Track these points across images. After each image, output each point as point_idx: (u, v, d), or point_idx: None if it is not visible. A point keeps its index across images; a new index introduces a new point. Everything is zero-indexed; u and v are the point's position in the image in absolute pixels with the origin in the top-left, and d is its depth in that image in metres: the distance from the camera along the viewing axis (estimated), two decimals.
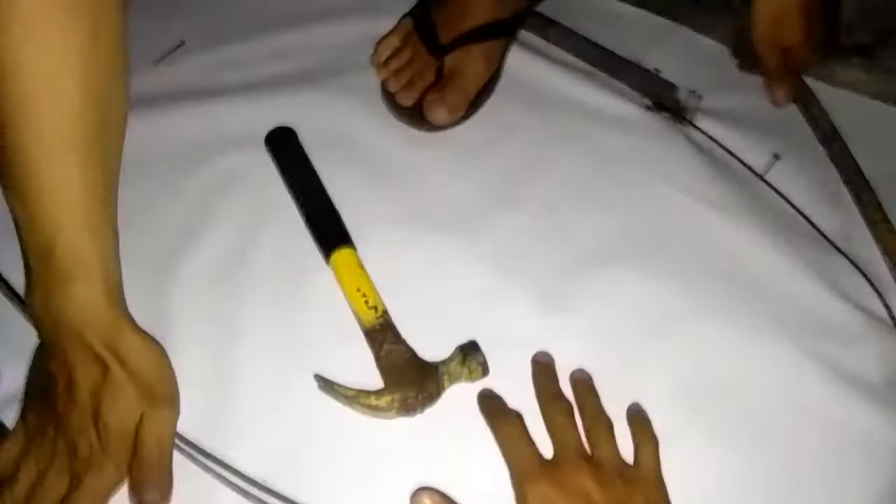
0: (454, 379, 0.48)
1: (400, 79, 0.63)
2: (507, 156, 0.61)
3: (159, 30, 0.68)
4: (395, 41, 0.65)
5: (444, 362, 0.48)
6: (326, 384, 0.47)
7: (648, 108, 0.64)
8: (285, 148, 0.60)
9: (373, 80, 0.65)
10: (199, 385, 0.47)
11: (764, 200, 0.59)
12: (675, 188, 0.59)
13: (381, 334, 0.49)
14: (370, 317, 0.50)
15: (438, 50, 0.62)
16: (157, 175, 0.58)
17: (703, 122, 0.63)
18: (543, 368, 0.49)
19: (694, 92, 0.64)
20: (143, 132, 0.58)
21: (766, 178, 0.60)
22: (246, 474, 0.44)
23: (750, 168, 0.61)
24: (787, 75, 0.64)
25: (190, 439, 0.45)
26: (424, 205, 0.58)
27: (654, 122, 0.64)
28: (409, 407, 0.46)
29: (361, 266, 0.52)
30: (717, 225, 0.57)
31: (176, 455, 0.44)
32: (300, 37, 0.68)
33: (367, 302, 0.50)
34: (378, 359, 0.49)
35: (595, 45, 0.67)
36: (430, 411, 0.47)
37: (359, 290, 0.51)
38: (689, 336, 0.52)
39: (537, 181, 0.59)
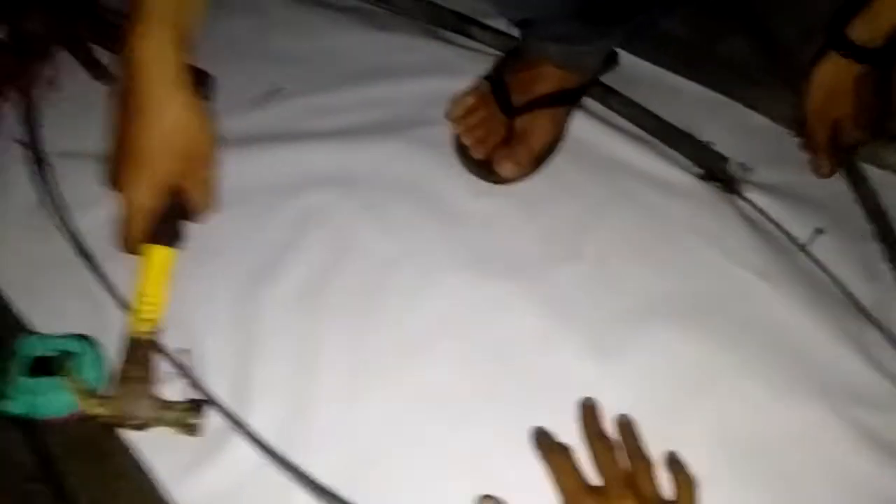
0: (167, 426, 0.48)
1: (473, 134, 0.69)
2: (566, 211, 0.66)
3: (259, 76, 0.76)
4: (471, 100, 0.71)
5: (167, 405, 0.48)
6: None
7: (700, 178, 0.69)
8: None
9: (448, 133, 0.71)
10: (280, 396, 0.53)
11: (806, 271, 0.63)
12: (723, 253, 0.64)
13: (139, 352, 0.49)
14: (142, 329, 0.50)
15: (510, 111, 0.69)
16: (250, 206, 0.65)
17: (752, 194, 0.68)
18: (590, 411, 0.54)
19: (744, 164, 0.69)
20: (240, 168, 0.65)
21: (809, 249, 0.64)
22: (317, 480, 0.49)
23: (793, 239, 0.65)
24: (834, 149, 0.68)
25: (270, 445, 0.51)
26: (489, 251, 0.63)
27: (705, 191, 0.69)
28: (119, 424, 0.48)
29: (167, 272, 0.51)
30: (760, 291, 0.61)
31: (256, 457, 0.49)
32: (385, 89, 0.75)
33: (148, 311, 0.50)
34: (124, 367, 0.49)
35: (653, 115, 0.73)
36: (499, 439, 0.52)
37: (149, 297, 0.50)
38: (730, 391, 0.56)
39: (593, 237, 0.65)
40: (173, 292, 0.55)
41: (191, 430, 0.49)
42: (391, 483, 0.50)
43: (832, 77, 0.66)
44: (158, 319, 0.51)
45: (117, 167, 0.52)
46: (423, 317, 0.58)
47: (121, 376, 0.49)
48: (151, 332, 0.50)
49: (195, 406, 0.50)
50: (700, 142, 0.71)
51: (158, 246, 0.52)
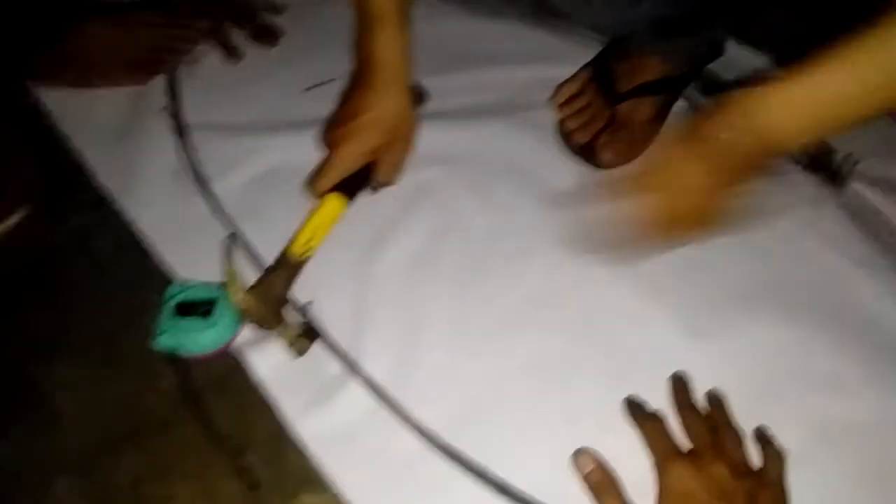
0: (282, 338, 0.55)
1: (577, 119, 0.72)
2: None
3: None
4: (576, 86, 0.74)
5: (286, 326, 0.55)
6: (229, 260, 0.56)
7: (804, 167, 0.70)
8: None
9: (552, 117, 0.74)
10: (390, 351, 0.58)
11: None
12: (821, 241, 0.65)
13: (287, 268, 0.57)
14: (299, 253, 0.58)
15: (614, 97, 0.71)
16: None
17: (857, 186, 0.68)
18: (680, 384, 0.56)
19: (850, 156, 0.69)
20: None
21: None
22: (424, 426, 0.54)
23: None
24: None
25: (382, 390, 0.56)
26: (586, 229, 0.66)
27: (809, 181, 0.69)
28: (248, 317, 0.55)
29: (335, 220, 0.61)
30: (857, 279, 0.62)
31: (370, 401, 0.55)
32: (492, 74, 0.78)
33: (312, 241, 0.59)
34: (266, 274, 0.58)
35: None
36: (591, 406, 0.56)
37: (317, 231, 0.59)
38: (823, 376, 0.57)
39: None
40: None
41: (300, 349, 0.56)
42: (489, 437, 0.54)
43: None
44: (311, 252, 0.59)
45: (334, 129, 0.63)
46: (521, 287, 0.62)
47: (265, 284, 0.57)
48: (303, 258, 0.58)
49: (309, 332, 0.56)
50: None
51: (336, 197, 0.61)
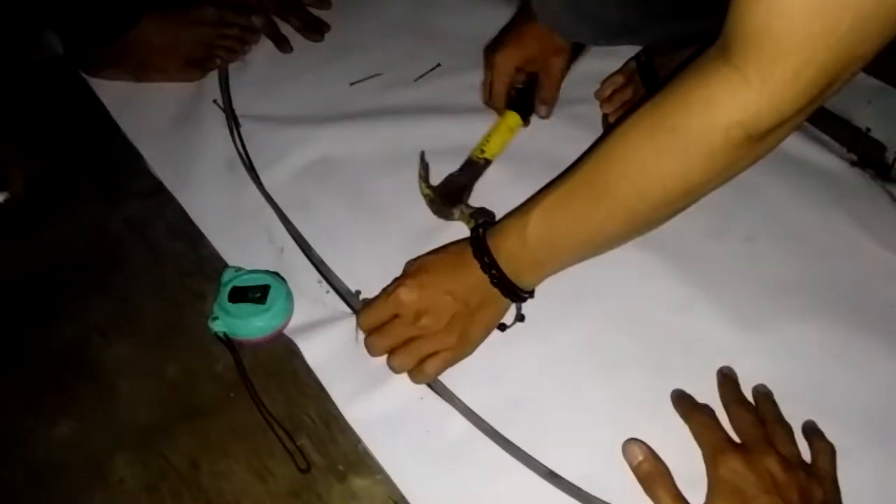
0: (461, 219, 0.65)
1: (621, 113, 0.72)
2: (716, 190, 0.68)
3: (419, 53, 0.82)
4: (619, 80, 0.74)
5: (464, 208, 0.65)
6: (422, 164, 0.67)
7: (853, 164, 0.69)
8: None
9: (595, 111, 0.74)
10: None
11: None
12: (870, 236, 0.64)
13: (469, 169, 0.69)
14: (478, 154, 0.69)
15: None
16: (409, 171, 0.70)
17: None
18: (728, 379, 0.56)
19: None
20: (400, 136, 0.72)
21: None
22: (473, 410, 0.54)
23: None
24: None
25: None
26: None
27: (858, 177, 0.68)
28: (428, 203, 0.67)
29: (511, 132, 0.71)
30: None
31: (419, 387, 0.56)
32: None
33: (486, 145, 0.69)
34: (452, 175, 0.68)
35: None
36: (639, 395, 0.56)
37: (492, 138, 0.70)
38: (871, 370, 0.56)
39: (742, 215, 0.66)
40: (347, 245, 0.65)
41: (473, 227, 0.60)
42: (536, 423, 0.54)
43: None
44: (490, 157, 0.70)
45: (495, 47, 0.73)
46: (569, 277, 0.62)
47: (446, 180, 0.68)
48: (479, 159, 0.69)
49: (478, 216, 0.64)
50: (856, 128, 0.70)
51: (512, 112, 0.72)
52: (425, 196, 0.67)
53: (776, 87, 0.40)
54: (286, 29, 0.85)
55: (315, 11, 0.86)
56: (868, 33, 0.38)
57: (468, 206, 0.66)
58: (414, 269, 0.56)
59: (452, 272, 0.55)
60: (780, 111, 0.42)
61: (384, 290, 0.57)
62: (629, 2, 0.63)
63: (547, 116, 0.74)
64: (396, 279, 0.57)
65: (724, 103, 0.43)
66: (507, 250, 0.54)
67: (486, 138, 0.71)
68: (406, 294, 0.54)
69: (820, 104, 0.43)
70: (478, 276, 0.54)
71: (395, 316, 0.55)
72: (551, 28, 0.71)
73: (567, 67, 0.75)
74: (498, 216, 0.64)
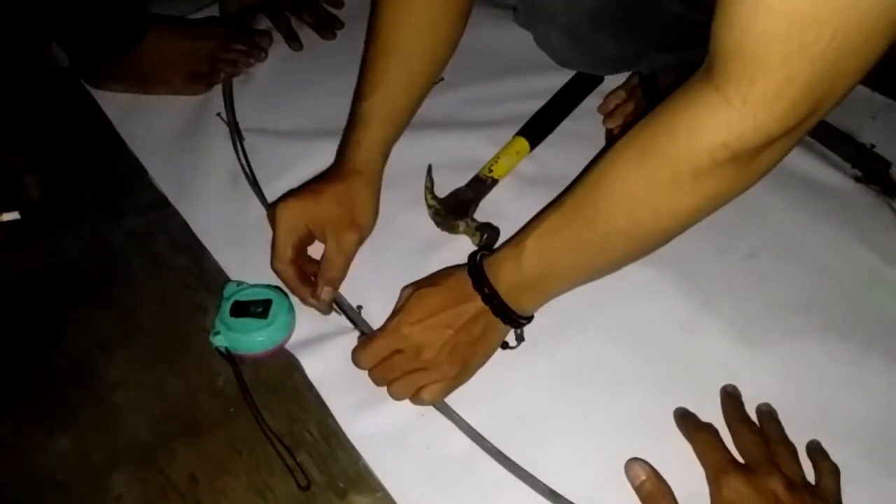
0: (466, 233, 0.66)
1: (623, 127, 0.72)
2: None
3: None
4: (622, 94, 0.74)
5: (469, 222, 0.65)
6: (429, 177, 0.68)
7: (858, 180, 0.69)
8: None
9: (598, 125, 0.74)
10: None
11: None
12: (876, 254, 0.64)
13: (476, 185, 0.69)
14: (486, 172, 0.70)
15: None
16: (414, 186, 0.70)
17: None
18: (731, 398, 0.55)
19: None
20: (405, 151, 0.71)
21: None
22: (472, 428, 0.54)
23: None
24: None
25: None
26: None
27: (862, 193, 0.68)
28: (433, 215, 0.67)
29: (517, 157, 0.72)
30: None
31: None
32: (539, 83, 0.79)
33: (494, 165, 0.70)
34: (459, 189, 0.69)
35: None
36: (641, 413, 0.55)
37: (500, 159, 0.71)
38: (875, 387, 0.56)
39: (746, 231, 0.66)
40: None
41: (478, 241, 0.64)
42: (538, 440, 0.54)
43: None
44: (497, 177, 0.70)
45: (285, 198, 0.62)
46: (574, 295, 0.61)
47: (451, 193, 0.68)
48: (486, 178, 0.70)
49: (483, 230, 0.64)
50: (861, 144, 0.70)
51: (521, 138, 0.72)
52: (430, 207, 0.67)
53: (758, 106, 0.39)
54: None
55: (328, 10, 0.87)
56: (851, 48, 0.36)
57: (474, 220, 0.66)
58: (413, 303, 0.55)
59: (453, 305, 0.54)
60: (767, 131, 0.41)
61: (382, 326, 0.56)
62: (625, 36, 0.62)
63: (329, 301, 0.60)
64: (394, 311, 0.56)
65: (707, 125, 0.42)
66: (506, 279, 0.53)
67: (495, 159, 0.71)
68: (408, 330, 0.54)
69: (814, 122, 0.42)
70: (479, 307, 0.54)
71: (397, 350, 0.54)
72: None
73: (357, 249, 0.63)
74: (503, 232, 0.64)
